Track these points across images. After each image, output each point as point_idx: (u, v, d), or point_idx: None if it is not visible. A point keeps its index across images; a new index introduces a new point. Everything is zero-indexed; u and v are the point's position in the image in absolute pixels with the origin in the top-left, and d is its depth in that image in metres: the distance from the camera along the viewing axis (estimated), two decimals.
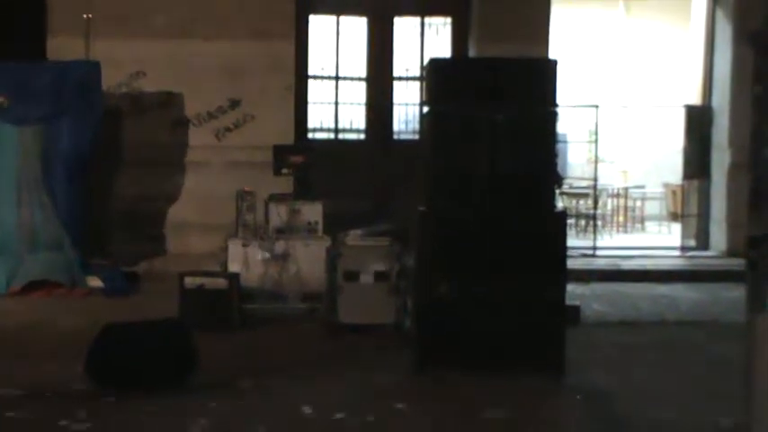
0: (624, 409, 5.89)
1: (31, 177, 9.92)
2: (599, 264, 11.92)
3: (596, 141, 13.53)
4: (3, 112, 9.89)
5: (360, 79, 12.36)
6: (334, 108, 12.33)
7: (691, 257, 12.68)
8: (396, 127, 12.50)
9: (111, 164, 10.83)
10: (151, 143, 11.31)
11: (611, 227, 15.60)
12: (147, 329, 6.26)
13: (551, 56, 11.12)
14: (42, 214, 9.90)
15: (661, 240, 14.19)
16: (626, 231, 15.63)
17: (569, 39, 16.07)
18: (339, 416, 5.63)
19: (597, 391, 6.31)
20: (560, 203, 12.78)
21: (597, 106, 13.13)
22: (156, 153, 11.31)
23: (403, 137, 12.48)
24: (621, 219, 15.98)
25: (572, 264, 7.50)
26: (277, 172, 9.56)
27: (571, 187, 15.09)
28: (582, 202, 15.01)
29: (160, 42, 11.31)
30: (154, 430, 5.31)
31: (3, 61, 10.04)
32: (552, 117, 6.65)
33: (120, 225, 11.18)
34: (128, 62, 11.21)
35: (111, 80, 10.54)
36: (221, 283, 8.10)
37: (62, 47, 11.02)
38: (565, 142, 14.73)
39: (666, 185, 16.13)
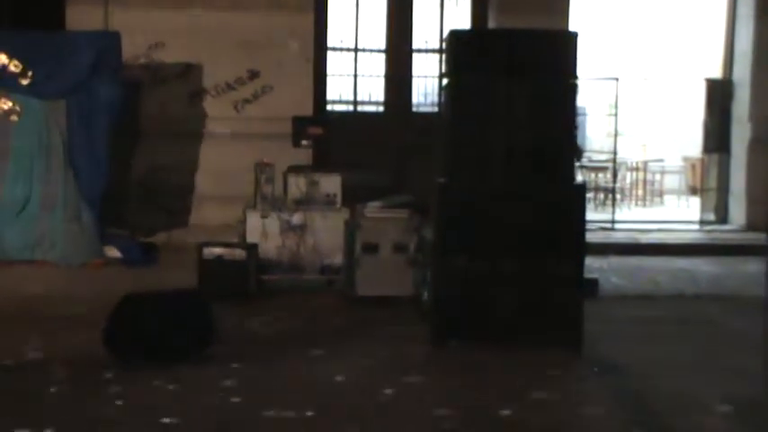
0: (640, 383, 5.89)
1: (54, 150, 9.94)
2: (617, 237, 11.90)
3: (616, 114, 13.45)
4: (26, 86, 9.89)
5: (379, 51, 12.32)
6: (353, 80, 12.30)
7: (710, 231, 12.63)
8: (415, 99, 12.47)
9: (129, 135, 10.84)
10: (169, 114, 11.32)
11: (630, 200, 15.55)
12: (166, 300, 6.28)
13: (571, 28, 11.04)
14: (65, 186, 9.92)
15: (680, 214, 14.13)
16: (645, 205, 15.57)
17: (590, 11, 15.93)
18: (355, 387, 5.64)
19: (614, 364, 6.31)
20: (579, 177, 12.72)
21: (617, 79, 13.05)
22: (174, 124, 11.32)
23: (422, 109, 12.44)
24: (640, 192, 15.92)
25: (590, 237, 7.47)
26: (296, 144, 9.55)
27: (590, 160, 15.03)
28: (601, 175, 14.96)
29: (179, 13, 11.29)
30: (171, 400, 5.34)
31: (22, 30, 10.04)
32: (572, 89, 6.62)
33: (137, 196, 11.21)
34: (146, 33, 11.20)
35: (129, 51, 10.52)
36: (239, 254, 8.13)
37: (81, 17, 11.02)
38: (584, 115, 14.65)
39: (686, 159, 16.04)
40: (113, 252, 9.84)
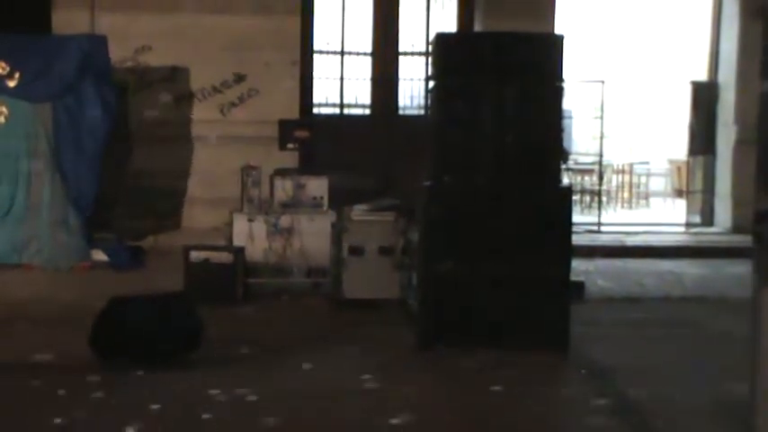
0: (627, 385, 5.89)
1: (41, 153, 9.91)
2: (603, 240, 11.94)
3: (602, 117, 13.49)
4: (13, 87, 9.87)
5: (365, 54, 12.33)
6: (340, 83, 12.30)
7: (695, 234, 12.69)
8: (401, 102, 12.49)
9: (116, 138, 10.81)
10: (156, 118, 11.30)
11: (616, 203, 15.59)
12: (153, 303, 6.27)
13: (557, 31, 11.07)
14: (51, 190, 9.89)
15: (666, 217, 14.18)
16: (631, 207, 15.62)
17: (575, 14, 15.98)
18: (340, 391, 5.64)
19: (601, 366, 6.32)
20: (565, 179, 12.76)
21: (603, 82, 13.10)
22: (160, 128, 11.30)
23: (408, 112, 12.46)
24: (626, 195, 15.97)
25: (576, 240, 7.50)
26: (282, 147, 9.55)
27: (576, 163, 15.07)
28: (587, 178, 15.00)
29: (165, 16, 11.27)
30: (157, 402, 5.33)
31: (8, 33, 10.02)
32: (558, 92, 6.63)
33: (124, 199, 11.18)
34: (133, 36, 11.18)
35: (115, 54, 10.49)
36: (226, 257, 8.13)
37: (67, 20, 10.99)
38: (570, 118, 14.69)
39: (672, 162, 16.11)
40: (100, 255, 9.82)
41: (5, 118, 9.91)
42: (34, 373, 5.82)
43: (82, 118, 9.95)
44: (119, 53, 10.75)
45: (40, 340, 6.64)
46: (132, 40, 11.19)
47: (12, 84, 9.87)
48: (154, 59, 11.37)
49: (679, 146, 14.63)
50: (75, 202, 9.90)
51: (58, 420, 4.98)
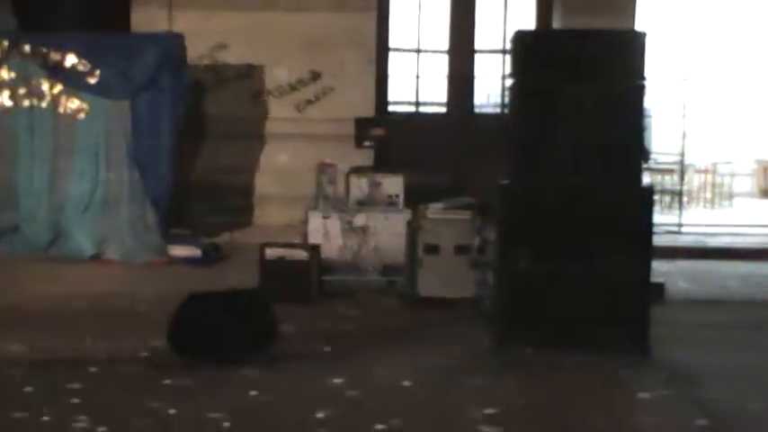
0: (711, 392, 5.72)
1: (119, 149, 10.05)
2: (684, 241, 11.70)
3: (684, 116, 13.23)
4: (93, 85, 10.02)
5: (441, 52, 12.25)
6: (416, 81, 12.25)
7: None
8: (477, 100, 12.39)
9: (192, 135, 10.92)
10: (232, 115, 11.37)
11: (698, 203, 15.29)
12: (229, 300, 6.28)
13: (639, 28, 10.87)
14: (129, 185, 10.02)
15: (750, 218, 13.84)
16: (713, 208, 15.30)
17: (657, 10, 15.70)
18: (412, 388, 5.57)
19: (683, 371, 6.16)
20: (646, 179, 12.54)
21: (685, 79, 12.85)
22: (236, 125, 11.37)
23: (484, 110, 12.36)
24: (708, 195, 15.65)
25: (656, 241, 7.32)
26: (358, 145, 9.54)
27: (657, 162, 14.81)
28: (667, 177, 14.73)
29: (242, 14, 11.35)
30: (230, 400, 5.33)
31: (89, 31, 10.18)
32: (639, 90, 6.49)
33: (200, 196, 11.28)
34: (209, 34, 11.28)
35: (192, 52, 10.59)
36: (301, 254, 8.12)
37: (145, 19, 11.13)
38: (650, 116, 14.44)
39: (759, 161, 15.75)
40: (177, 251, 9.90)
41: (86, 114, 10.07)
42: (113, 368, 5.88)
43: (159, 115, 10.06)
44: (195, 51, 10.85)
45: (119, 335, 6.70)
46: (209, 37, 11.28)
47: (92, 81, 10.02)
48: (230, 57, 11.45)
49: (767, 146, 14.29)
50: (152, 198, 10.00)
51: (139, 415, 5.02)
